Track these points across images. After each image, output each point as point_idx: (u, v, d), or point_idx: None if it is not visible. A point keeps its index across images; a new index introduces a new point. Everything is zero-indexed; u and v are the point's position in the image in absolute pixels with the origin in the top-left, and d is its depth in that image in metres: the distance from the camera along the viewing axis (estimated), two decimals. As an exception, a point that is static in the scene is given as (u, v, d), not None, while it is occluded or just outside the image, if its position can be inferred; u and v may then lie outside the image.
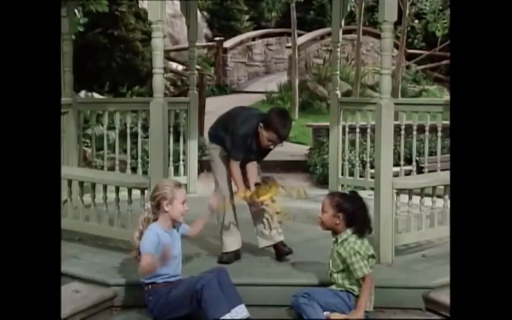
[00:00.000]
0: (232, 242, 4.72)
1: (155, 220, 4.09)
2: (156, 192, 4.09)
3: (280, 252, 4.71)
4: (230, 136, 4.61)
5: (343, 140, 6.99)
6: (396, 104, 5.09)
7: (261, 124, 4.54)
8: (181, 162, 7.01)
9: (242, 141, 4.60)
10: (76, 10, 10.44)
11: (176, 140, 7.08)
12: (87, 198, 5.10)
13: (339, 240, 4.06)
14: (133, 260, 4.20)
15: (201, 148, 9.13)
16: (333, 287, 4.10)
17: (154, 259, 3.88)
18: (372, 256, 4.05)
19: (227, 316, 3.81)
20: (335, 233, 4.11)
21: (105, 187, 5.17)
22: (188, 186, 6.92)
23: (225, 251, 4.71)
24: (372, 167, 6.11)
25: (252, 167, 4.70)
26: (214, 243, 4.95)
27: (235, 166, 4.62)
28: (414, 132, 6.62)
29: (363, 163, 7.11)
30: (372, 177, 6.00)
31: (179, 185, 4.16)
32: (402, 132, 6.65)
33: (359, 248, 4.00)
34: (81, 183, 5.14)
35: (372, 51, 17.66)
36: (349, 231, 4.06)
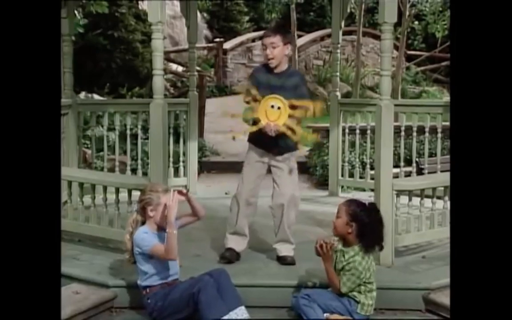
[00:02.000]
0: (237, 241, 4.72)
1: (143, 222, 4.11)
2: (142, 197, 4.11)
3: (283, 261, 4.70)
4: None
5: (343, 141, 7.00)
6: (396, 105, 5.09)
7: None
8: (181, 163, 7.01)
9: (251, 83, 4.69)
10: (76, 11, 10.44)
11: (176, 141, 7.08)
12: (87, 199, 5.10)
13: (346, 257, 3.99)
14: (126, 262, 4.21)
15: (201, 149, 9.15)
16: (335, 289, 4.09)
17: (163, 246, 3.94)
18: (371, 275, 4.01)
19: (225, 317, 3.80)
20: (345, 242, 4.04)
21: (105, 188, 5.16)
22: (188, 188, 6.92)
23: (228, 247, 4.72)
24: (372, 168, 6.12)
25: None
26: (213, 244, 4.95)
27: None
28: (414, 133, 6.61)
29: (363, 164, 7.11)
30: (372, 179, 6.00)
31: (166, 190, 4.12)
32: (402, 133, 6.64)
33: (362, 269, 3.94)
34: (81, 184, 5.14)
35: (372, 52, 17.68)
36: (357, 248, 3.98)
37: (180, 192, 4.12)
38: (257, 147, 4.68)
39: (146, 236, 4.01)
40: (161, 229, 4.09)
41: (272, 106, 4.49)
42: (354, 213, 3.98)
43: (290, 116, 4.49)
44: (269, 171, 4.73)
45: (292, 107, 4.50)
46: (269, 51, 4.59)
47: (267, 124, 4.48)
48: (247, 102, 4.66)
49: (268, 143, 4.60)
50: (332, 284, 4.04)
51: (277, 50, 4.59)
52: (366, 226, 3.96)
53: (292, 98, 4.51)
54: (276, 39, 4.59)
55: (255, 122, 4.57)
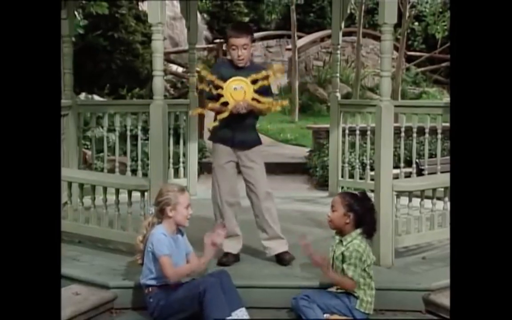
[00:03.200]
0: (232, 244, 4.71)
1: (159, 224, 4.10)
2: (160, 198, 4.11)
3: (282, 260, 4.70)
4: None
5: (343, 142, 6.99)
6: (396, 106, 5.09)
7: (226, 46, 4.66)
8: (181, 164, 7.02)
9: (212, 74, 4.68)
10: (76, 12, 10.44)
11: (176, 142, 7.08)
12: (87, 200, 5.10)
13: (344, 243, 4.06)
14: (133, 262, 4.21)
15: (201, 150, 9.15)
16: (334, 289, 4.10)
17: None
18: (370, 264, 4.07)
19: (228, 318, 3.81)
20: (342, 233, 4.11)
21: (105, 189, 5.17)
22: (188, 189, 6.89)
23: (225, 251, 4.71)
24: (372, 169, 6.11)
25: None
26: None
27: None
28: (414, 134, 6.61)
29: (363, 165, 7.11)
30: (372, 179, 6.00)
31: (182, 189, 4.16)
32: (402, 134, 6.64)
33: (363, 251, 4.01)
34: (81, 185, 5.15)
35: (372, 53, 17.67)
36: (354, 234, 4.06)
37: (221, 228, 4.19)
38: (222, 144, 4.68)
39: (162, 239, 4.00)
40: (178, 230, 4.13)
41: (235, 88, 4.54)
42: (350, 204, 4.08)
43: (254, 91, 4.55)
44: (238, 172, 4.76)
45: (254, 81, 4.56)
46: (240, 53, 4.58)
47: (236, 103, 4.51)
48: (205, 90, 4.68)
49: (233, 137, 4.62)
50: (345, 286, 4.04)
51: (247, 50, 4.62)
52: (361, 214, 4.07)
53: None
54: (248, 40, 4.61)
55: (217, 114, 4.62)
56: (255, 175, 4.68)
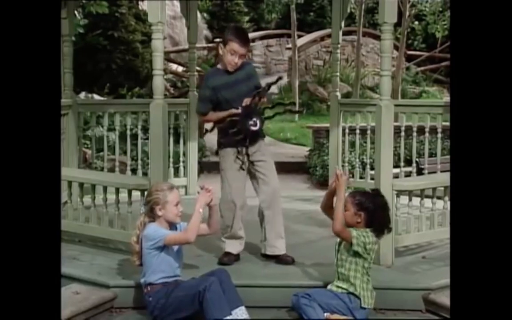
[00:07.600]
0: (234, 244, 4.72)
1: (151, 222, 4.12)
2: (149, 197, 4.13)
3: (282, 262, 4.70)
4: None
5: (343, 142, 6.99)
6: (396, 105, 5.10)
7: (221, 45, 4.69)
8: (181, 164, 7.02)
9: (204, 88, 4.71)
10: (76, 12, 10.45)
11: (176, 142, 7.08)
12: (87, 199, 5.10)
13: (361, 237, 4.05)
14: (134, 262, 4.21)
15: (201, 149, 9.16)
16: (334, 288, 4.10)
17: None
18: (371, 262, 4.08)
19: (229, 317, 3.82)
20: None
21: (105, 189, 5.17)
22: (188, 188, 6.93)
23: (227, 251, 4.71)
24: (372, 168, 6.11)
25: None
26: (215, 245, 4.95)
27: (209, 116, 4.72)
28: (414, 134, 6.61)
29: (363, 165, 7.11)
30: (372, 179, 6.00)
31: (171, 187, 4.17)
32: (402, 133, 6.64)
33: (372, 245, 4.02)
34: (81, 185, 5.15)
35: (372, 52, 17.68)
36: (369, 230, 4.04)
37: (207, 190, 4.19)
38: (231, 146, 4.66)
39: (158, 229, 4.05)
40: (171, 226, 4.13)
41: None
42: (360, 202, 4.06)
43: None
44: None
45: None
46: (237, 60, 4.62)
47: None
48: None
49: (246, 135, 4.61)
50: (338, 223, 4.01)
51: (243, 57, 4.67)
52: (373, 212, 4.04)
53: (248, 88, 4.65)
54: (247, 50, 4.71)
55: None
56: (267, 167, 4.70)
